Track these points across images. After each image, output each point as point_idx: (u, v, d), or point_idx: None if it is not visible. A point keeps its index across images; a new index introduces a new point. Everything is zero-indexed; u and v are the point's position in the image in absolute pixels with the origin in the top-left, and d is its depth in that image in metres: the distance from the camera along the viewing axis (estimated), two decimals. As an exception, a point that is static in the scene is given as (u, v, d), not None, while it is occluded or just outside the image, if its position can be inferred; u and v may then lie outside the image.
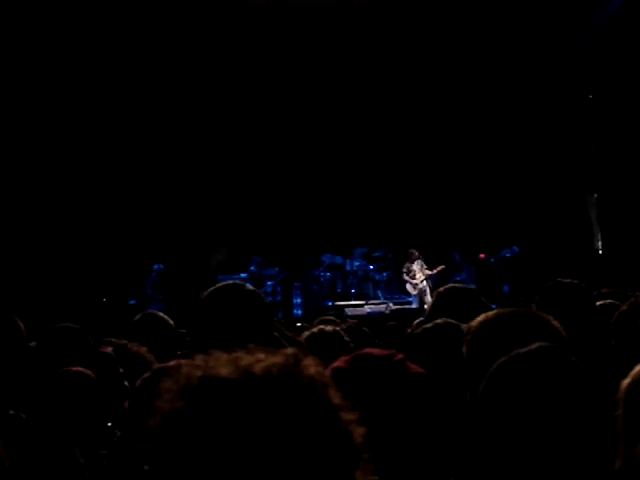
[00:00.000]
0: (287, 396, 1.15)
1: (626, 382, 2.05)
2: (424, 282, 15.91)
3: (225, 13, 15.30)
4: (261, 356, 1.20)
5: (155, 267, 15.38)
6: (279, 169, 16.99)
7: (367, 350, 2.22)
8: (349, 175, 17.36)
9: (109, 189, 15.82)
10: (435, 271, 15.93)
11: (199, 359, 1.21)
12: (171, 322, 4.94)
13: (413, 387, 2.10)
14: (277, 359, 1.20)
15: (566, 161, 17.04)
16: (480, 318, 2.55)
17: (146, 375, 2.41)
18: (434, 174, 17.65)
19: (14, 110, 14.18)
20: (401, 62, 16.99)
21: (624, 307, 3.86)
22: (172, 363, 2.36)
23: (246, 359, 1.19)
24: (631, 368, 2.05)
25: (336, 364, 2.15)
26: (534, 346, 1.98)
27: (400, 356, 2.18)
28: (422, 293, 15.83)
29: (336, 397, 1.21)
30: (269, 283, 15.70)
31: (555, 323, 2.51)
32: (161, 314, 5.12)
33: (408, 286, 16.09)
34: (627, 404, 2.01)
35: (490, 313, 2.57)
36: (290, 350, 1.24)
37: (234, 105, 16.83)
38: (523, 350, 1.97)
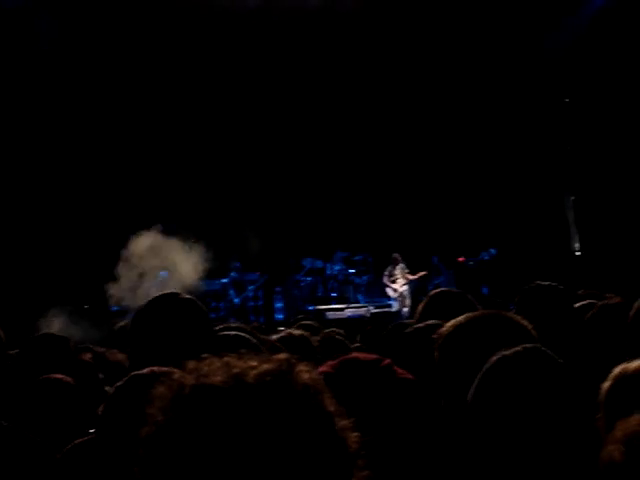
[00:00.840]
0: (281, 403, 1.14)
1: (606, 385, 2.05)
2: (405, 286, 16.01)
3: (217, 17, 15.41)
4: (254, 363, 1.19)
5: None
6: (260, 174, 17.01)
7: (354, 355, 2.26)
8: (329, 180, 17.40)
9: (89, 197, 15.75)
10: (417, 276, 16.04)
11: (191, 365, 1.20)
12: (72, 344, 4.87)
13: (400, 392, 2.13)
14: (270, 365, 1.19)
15: (543, 164, 17.16)
16: (450, 323, 2.55)
17: (119, 383, 2.37)
18: (413, 179, 17.74)
19: (12, 112, 14.15)
20: (377, 68, 17.10)
21: (594, 310, 3.91)
22: (146, 370, 2.34)
23: (239, 366, 1.18)
24: (607, 369, 2.08)
25: (323, 369, 2.18)
26: (519, 347, 2.00)
27: (387, 361, 2.22)
28: (402, 297, 15.92)
29: (330, 403, 1.20)
30: (250, 288, 15.70)
31: (525, 323, 2.51)
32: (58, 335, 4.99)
33: (389, 290, 16.18)
34: (607, 407, 2.02)
35: (460, 317, 2.57)
36: (283, 356, 1.22)
37: (217, 110, 16.85)
38: (508, 352, 1.98)
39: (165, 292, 3.09)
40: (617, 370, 2.09)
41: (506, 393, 1.91)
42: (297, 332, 4.34)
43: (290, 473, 1.11)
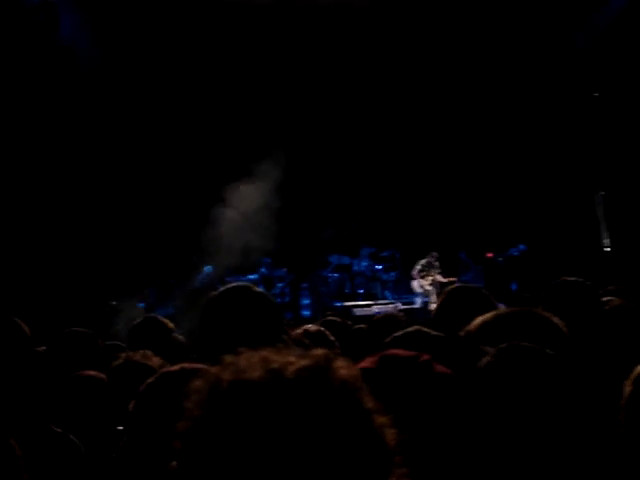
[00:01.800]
0: (319, 399, 1.14)
1: (628, 386, 2.00)
2: (432, 285, 15.88)
3: (229, 13, 15.43)
4: (292, 358, 1.18)
5: (206, 269, 15.49)
6: (286, 170, 17.05)
7: (393, 351, 2.28)
8: (356, 176, 17.39)
9: (119, 191, 15.92)
10: (446, 280, 15.84)
11: (228, 359, 1.20)
12: (171, 326, 4.94)
13: (440, 387, 2.14)
14: (308, 361, 1.18)
15: (572, 159, 17.03)
16: (478, 320, 2.56)
17: (150, 380, 2.39)
18: (441, 174, 17.68)
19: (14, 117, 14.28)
20: (404, 64, 17.04)
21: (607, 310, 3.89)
22: (176, 368, 2.36)
23: (277, 361, 1.17)
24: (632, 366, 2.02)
25: (363, 364, 2.20)
26: (504, 345, 2.00)
27: (426, 357, 2.23)
28: (429, 294, 15.81)
29: (368, 400, 1.20)
30: (279, 285, 15.76)
31: (556, 321, 2.50)
32: (161, 318, 5.10)
33: (415, 283, 16.04)
34: (629, 409, 1.98)
35: (488, 315, 2.57)
36: (321, 351, 1.22)
37: (225, 106, 16.91)
38: (488, 358, 1.97)
39: (238, 284, 3.12)
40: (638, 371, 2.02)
41: (492, 394, 1.92)
42: (314, 328, 4.33)
43: (328, 470, 1.11)
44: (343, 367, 1.20)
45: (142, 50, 15.71)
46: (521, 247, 16.50)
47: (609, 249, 16.68)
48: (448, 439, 2.02)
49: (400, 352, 2.28)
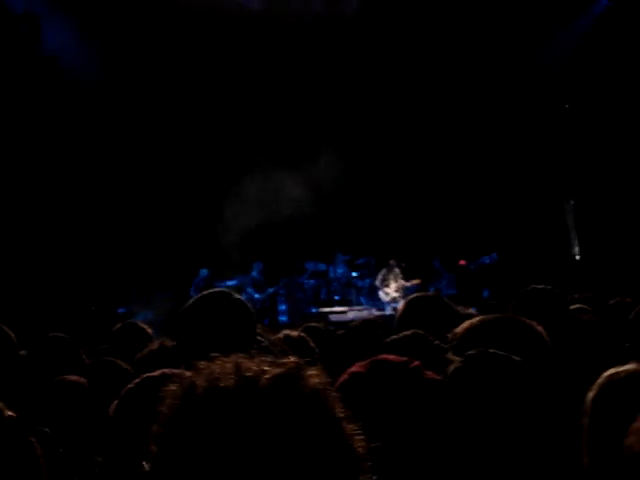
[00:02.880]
0: (290, 408, 1.16)
1: (593, 391, 2.07)
2: (398, 292, 16.07)
3: (221, 22, 15.64)
4: (265, 366, 1.21)
5: (201, 272, 15.56)
6: (269, 177, 17.16)
7: (384, 356, 2.31)
8: (332, 183, 17.49)
9: (112, 193, 15.99)
10: (410, 283, 16.05)
11: (202, 365, 1.23)
12: (149, 331, 4.99)
13: (429, 393, 2.16)
14: (280, 370, 1.20)
15: (543, 168, 17.33)
16: (465, 324, 2.64)
17: (131, 384, 2.45)
18: (415, 183, 17.89)
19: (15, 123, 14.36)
20: (380, 74, 17.29)
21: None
22: (157, 372, 2.40)
23: (250, 369, 1.20)
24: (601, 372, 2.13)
25: (354, 369, 2.25)
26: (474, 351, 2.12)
27: (416, 363, 2.26)
28: (394, 302, 15.91)
29: (338, 408, 1.22)
30: (270, 290, 15.86)
31: (539, 329, 2.59)
32: (140, 324, 5.14)
33: (381, 293, 16.29)
34: (594, 414, 2.04)
35: (474, 320, 2.66)
36: (293, 360, 1.24)
37: (215, 112, 17.04)
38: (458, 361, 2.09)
39: (215, 290, 3.23)
40: (606, 376, 2.11)
41: (460, 400, 2.02)
42: (294, 334, 4.40)
43: (297, 476, 1.13)
44: (314, 376, 1.22)
45: (138, 52, 15.83)
46: (493, 255, 16.75)
47: (579, 257, 17.00)
48: (435, 444, 2.06)
49: (391, 357, 2.31)
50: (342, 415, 1.22)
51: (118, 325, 5.16)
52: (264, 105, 17.18)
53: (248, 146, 17.20)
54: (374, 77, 17.37)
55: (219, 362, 1.22)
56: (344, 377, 2.24)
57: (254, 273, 15.85)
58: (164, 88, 16.47)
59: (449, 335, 2.72)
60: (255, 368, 1.20)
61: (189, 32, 15.85)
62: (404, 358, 2.30)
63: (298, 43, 16.41)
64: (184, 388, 1.20)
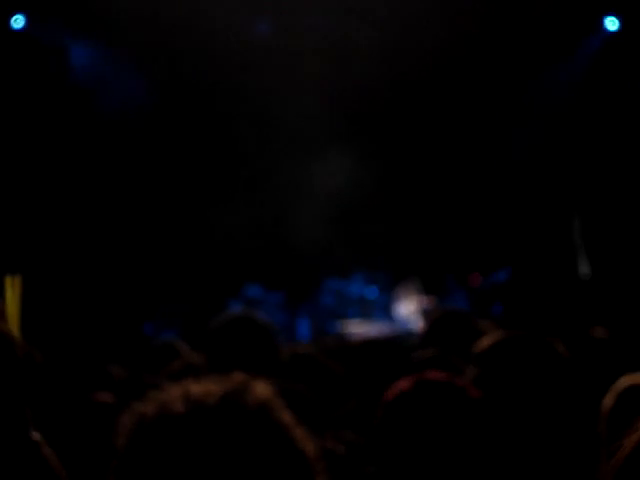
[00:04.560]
0: (237, 423, 1.18)
1: (609, 401, 2.18)
2: (416, 308, 16.25)
3: (229, 47, 15.98)
4: (211, 386, 1.24)
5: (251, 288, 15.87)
6: (281, 193, 17.48)
7: (429, 374, 2.39)
8: (346, 200, 17.74)
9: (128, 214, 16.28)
10: (425, 302, 16.27)
11: (152, 394, 1.25)
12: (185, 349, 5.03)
13: (474, 411, 2.27)
14: (225, 387, 1.23)
15: (551, 186, 17.59)
16: (487, 341, 2.76)
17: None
18: (427, 200, 18.15)
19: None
20: (382, 97, 17.61)
21: None
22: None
23: (197, 392, 1.22)
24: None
25: (400, 386, 2.33)
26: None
27: (461, 382, 2.35)
28: (411, 317, 16.11)
29: (286, 415, 1.24)
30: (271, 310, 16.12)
31: (560, 347, 2.67)
32: (178, 343, 5.24)
33: (398, 309, 16.55)
34: (611, 421, 2.14)
35: (497, 336, 2.77)
36: (239, 375, 1.28)
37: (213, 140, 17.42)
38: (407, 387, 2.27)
39: (241, 315, 3.52)
40: (622, 382, 2.23)
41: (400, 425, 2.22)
42: (302, 350, 4.44)
43: None
44: (260, 388, 1.25)
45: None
46: (506, 271, 17.05)
47: (589, 276, 17.21)
48: (480, 461, 2.17)
49: (435, 375, 2.37)
50: (290, 422, 1.25)
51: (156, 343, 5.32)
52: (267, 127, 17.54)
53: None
54: (378, 99, 17.69)
55: (167, 389, 1.26)
56: (392, 394, 2.34)
57: (250, 292, 16.16)
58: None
59: (472, 350, 2.83)
60: (201, 390, 1.23)
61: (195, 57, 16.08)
62: (448, 376, 2.38)
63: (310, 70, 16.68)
64: (134, 417, 1.22)
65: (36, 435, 2.38)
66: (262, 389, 1.25)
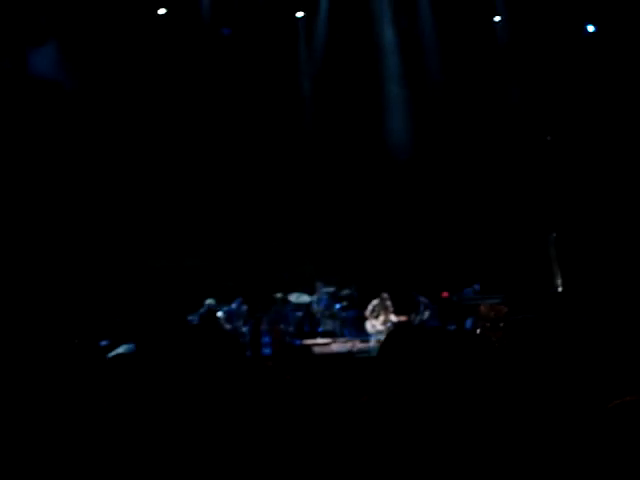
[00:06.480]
0: None
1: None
2: (385, 325, 16.02)
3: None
4: None
5: (207, 302, 15.45)
6: (250, 205, 17.22)
7: None
8: (314, 215, 17.61)
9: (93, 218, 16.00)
10: (397, 319, 16.05)
11: None
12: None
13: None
14: None
15: (525, 201, 17.48)
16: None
17: None
18: (399, 216, 18.01)
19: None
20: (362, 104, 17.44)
21: None
22: None
23: None
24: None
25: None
26: None
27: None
28: (379, 334, 15.89)
29: None
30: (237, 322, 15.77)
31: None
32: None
33: (367, 324, 16.25)
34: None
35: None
36: None
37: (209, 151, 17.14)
38: None
39: (209, 323, 3.33)
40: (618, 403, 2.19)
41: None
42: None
43: None
44: None
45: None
46: (475, 287, 16.83)
47: (561, 289, 17.08)
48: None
49: None
50: None
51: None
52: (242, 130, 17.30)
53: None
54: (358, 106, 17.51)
55: None
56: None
57: (235, 305, 15.80)
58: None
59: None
60: None
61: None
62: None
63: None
64: None
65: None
66: None
